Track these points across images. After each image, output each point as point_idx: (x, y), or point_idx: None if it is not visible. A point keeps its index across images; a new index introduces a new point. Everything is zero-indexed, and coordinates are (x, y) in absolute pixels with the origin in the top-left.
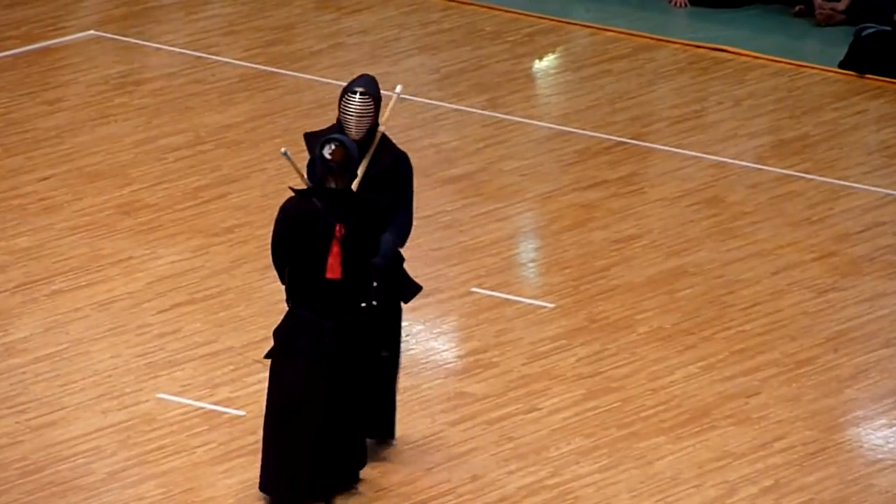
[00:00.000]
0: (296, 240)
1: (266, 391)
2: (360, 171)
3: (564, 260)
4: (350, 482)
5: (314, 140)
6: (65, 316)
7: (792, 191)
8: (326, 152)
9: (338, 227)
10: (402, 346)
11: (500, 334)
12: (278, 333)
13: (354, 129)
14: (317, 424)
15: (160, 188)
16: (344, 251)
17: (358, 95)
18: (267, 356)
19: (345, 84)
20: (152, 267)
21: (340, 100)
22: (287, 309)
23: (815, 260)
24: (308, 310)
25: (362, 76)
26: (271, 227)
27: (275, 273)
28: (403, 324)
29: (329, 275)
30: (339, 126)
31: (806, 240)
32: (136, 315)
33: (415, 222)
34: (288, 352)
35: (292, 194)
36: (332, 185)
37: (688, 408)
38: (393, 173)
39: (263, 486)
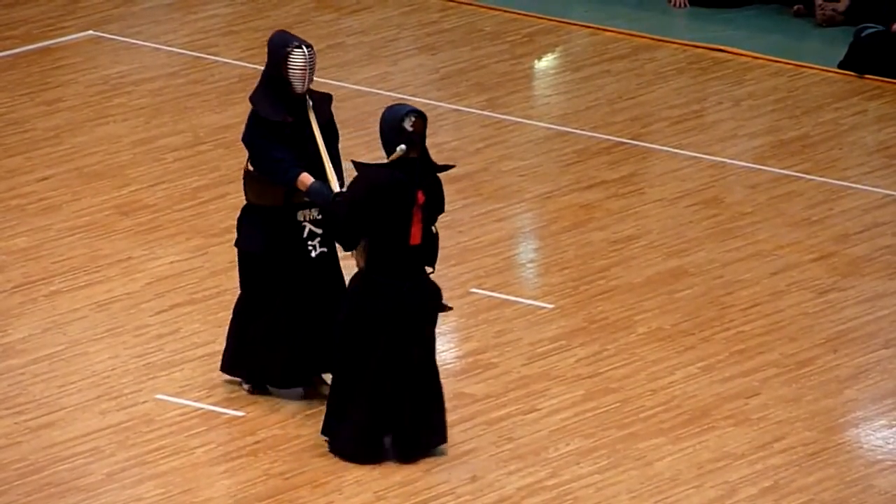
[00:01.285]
0: (383, 210)
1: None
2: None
3: (564, 260)
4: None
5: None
6: (63, 316)
7: (791, 191)
8: (407, 124)
9: (419, 194)
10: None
11: (500, 335)
12: (354, 297)
13: (304, 84)
14: (409, 382)
15: (159, 188)
16: (424, 217)
17: (306, 49)
18: (344, 321)
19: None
20: (151, 267)
21: (283, 58)
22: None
23: (814, 260)
24: (385, 275)
25: (280, 32)
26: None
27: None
28: None
29: (413, 241)
30: (277, 82)
31: (806, 240)
32: (134, 315)
33: None
34: (365, 314)
35: (372, 166)
36: (412, 155)
37: (687, 408)
38: (332, 123)
39: (358, 448)
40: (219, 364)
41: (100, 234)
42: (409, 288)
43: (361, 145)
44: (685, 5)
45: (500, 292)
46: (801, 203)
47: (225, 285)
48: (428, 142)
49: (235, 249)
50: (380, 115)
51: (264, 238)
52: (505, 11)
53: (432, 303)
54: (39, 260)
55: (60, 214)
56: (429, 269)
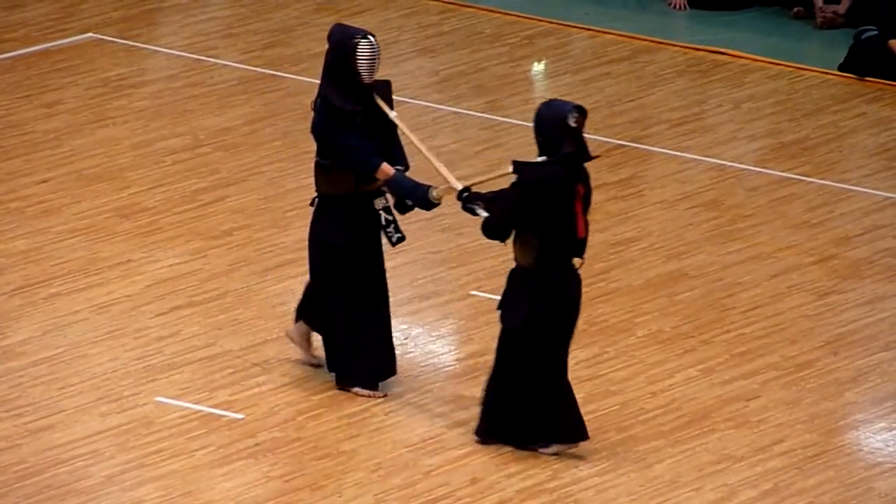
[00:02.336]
0: (551, 206)
1: (500, 354)
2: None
3: None
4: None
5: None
6: (63, 319)
7: (791, 193)
8: (571, 121)
9: (580, 187)
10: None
11: None
12: (526, 296)
13: (372, 74)
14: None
15: (159, 191)
16: (584, 209)
17: (372, 38)
18: (518, 325)
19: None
20: (151, 270)
21: (351, 49)
22: (518, 271)
23: (814, 263)
24: (556, 270)
25: (339, 25)
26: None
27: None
28: (402, 327)
29: (580, 234)
30: (344, 73)
31: (806, 243)
32: (134, 318)
33: (413, 225)
34: (543, 312)
35: (534, 164)
36: (569, 150)
37: (687, 411)
38: (392, 109)
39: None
40: (218, 366)
41: (99, 237)
42: (573, 281)
43: None
44: (685, 7)
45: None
46: (802, 206)
47: (225, 287)
48: (427, 144)
49: (236, 253)
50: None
51: (344, 230)
52: (504, 14)
53: (580, 293)
54: (39, 262)
55: (60, 217)
56: (578, 262)
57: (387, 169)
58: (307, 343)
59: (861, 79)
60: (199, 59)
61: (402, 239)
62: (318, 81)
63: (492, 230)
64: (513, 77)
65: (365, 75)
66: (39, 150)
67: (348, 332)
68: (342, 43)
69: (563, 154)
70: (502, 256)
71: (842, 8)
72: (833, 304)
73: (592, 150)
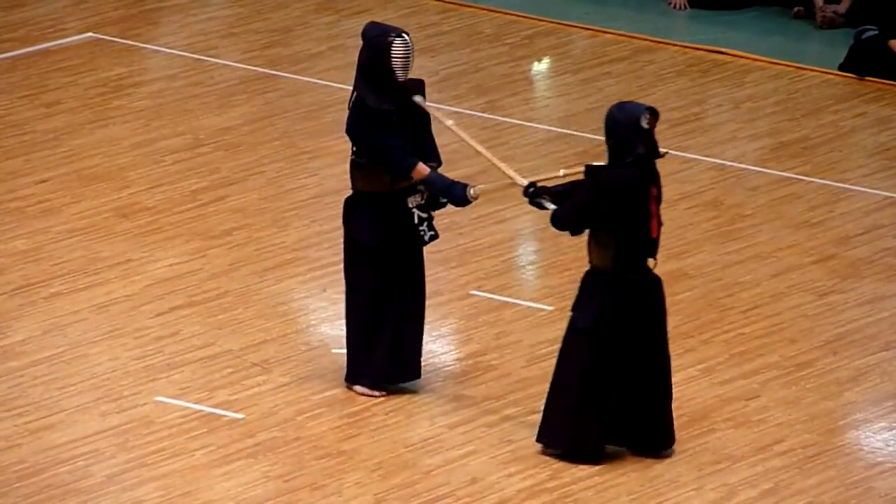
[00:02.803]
0: (627, 208)
1: (573, 359)
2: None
3: (564, 262)
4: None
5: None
6: (63, 319)
7: (791, 193)
8: (644, 122)
9: (652, 189)
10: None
11: (500, 337)
12: (601, 297)
13: (406, 72)
14: (647, 382)
15: (158, 191)
16: (656, 210)
17: (407, 37)
18: (588, 325)
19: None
20: (150, 270)
21: (386, 47)
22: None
23: (814, 262)
24: (632, 272)
25: (373, 23)
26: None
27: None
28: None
29: (654, 234)
30: (378, 72)
31: (806, 242)
32: (134, 318)
33: None
34: (619, 313)
35: (610, 168)
36: (641, 151)
37: (687, 410)
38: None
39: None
40: (218, 366)
41: (99, 237)
42: (648, 282)
43: None
44: (685, 7)
45: (501, 294)
46: (802, 205)
47: (224, 287)
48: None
49: (236, 253)
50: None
51: (379, 228)
52: (504, 13)
53: (661, 294)
54: (39, 262)
55: (60, 217)
56: (652, 262)
57: (422, 169)
58: None
59: (861, 78)
60: (199, 59)
61: (434, 237)
62: (318, 81)
63: (562, 222)
64: (513, 77)
65: (399, 73)
66: (39, 150)
67: (365, 330)
68: (377, 41)
69: (637, 155)
70: (502, 256)
71: (842, 8)
72: (833, 304)
73: (591, 150)
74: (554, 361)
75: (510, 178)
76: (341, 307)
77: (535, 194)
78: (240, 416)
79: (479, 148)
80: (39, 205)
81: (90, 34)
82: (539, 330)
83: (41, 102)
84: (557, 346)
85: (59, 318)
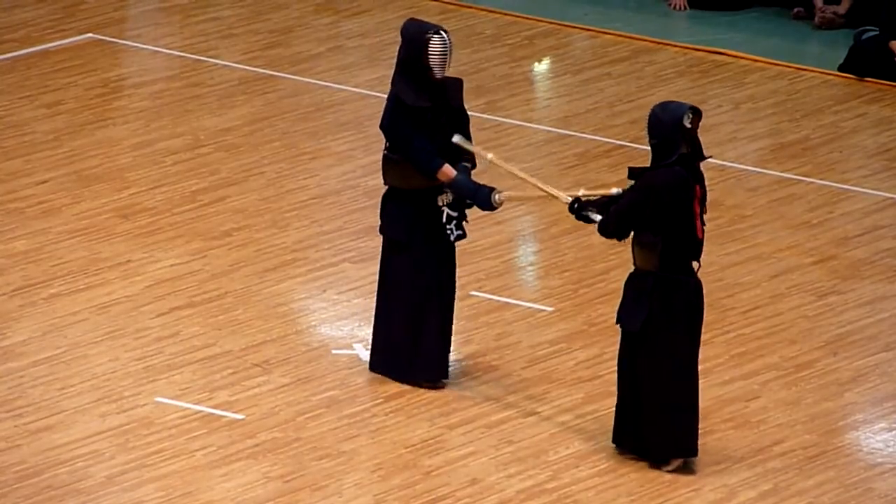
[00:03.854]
0: (672, 208)
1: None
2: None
3: (564, 263)
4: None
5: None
6: (63, 319)
7: (791, 194)
8: (687, 121)
9: (697, 189)
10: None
11: (500, 338)
12: (649, 298)
13: (443, 69)
14: (694, 381)
15: (159, 191)
16: (701, 210)
17: (445, 34)
18: (637, 328)
19: (342, 84)
20: (151, 270)
21: (423, 44)
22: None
23: (814, 263)
24: (679, 272)
25: (412, 20)
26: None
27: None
28: None
29: (699, 235)
30: (416, 69)
31: (805, 243)
32: (134, 318)
33: None
34: (668, 314)
35: (655, 170)
36: (684, 151)
37: None
38: (462, 107)
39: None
40: (218, 367)
41: (99, 237)
42: (694, 283)
43: (361, 148)
44: (685, 8)
45: (500, 295)
46: (801, 206)
47: (225, 288)
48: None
49: (236, 253)
50: (651, 111)
51: (408, 225)
52: (504, 14)
53: (702, 298)
54: (39, 263)
55: (60, 217)
56: (696, 265)
57: (448, 171)
58: None
59: (861, 79)
60: (198, 60)
61: (461, 237)
62: (318, 81)
63: (609, 229)
64: (512, 77)
65: (436, 70)
66: (39, 151)
67: (411, 328)
68: (415, 38)
69: (680, 155)
70: (502, 257)
71: (842, 8)
72: (833, 305)
73: (591, 151)
74: (555, 362)
75: (555, 196)
76: (341, 307)
77: (580, 209)
78: (240, 416)
79: (521, 174)
80: (40, 205)
81: (90, 35)
82: (539, 331)
83: (41, 103)
84: (558, 347)
85: (59, 319)
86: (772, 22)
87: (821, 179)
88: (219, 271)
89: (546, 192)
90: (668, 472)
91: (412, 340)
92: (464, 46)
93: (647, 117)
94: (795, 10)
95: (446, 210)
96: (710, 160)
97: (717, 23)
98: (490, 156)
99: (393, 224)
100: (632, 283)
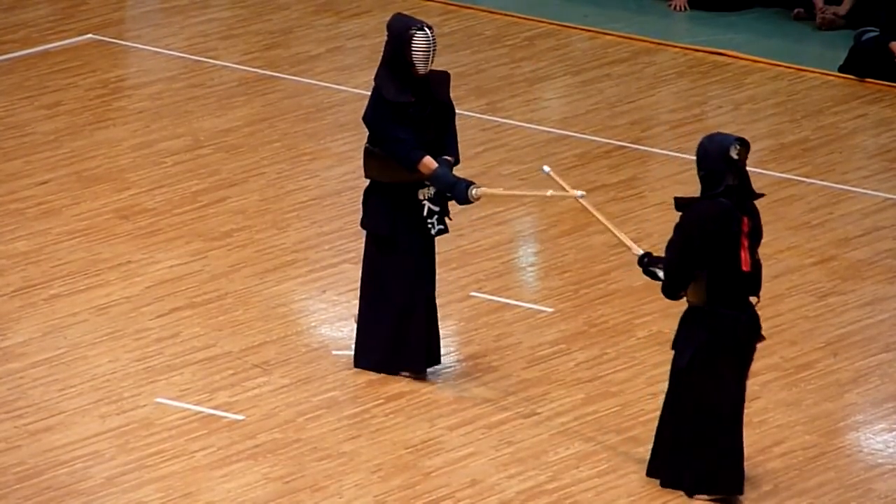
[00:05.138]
0: (717, 240)
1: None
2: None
3: (564, 264)
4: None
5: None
6: (63, 320)
7: (792, 195)
8: (733, 153)
9: (745, 221)
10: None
11: (500, 338)
12: (697, 333)
13: (426, 65)
14: (739, 419)
15: (159, 192)
16: (749, 244)
17: (428, 31)
18: (684, 364)
19: (334, 85)
20: (151, 271)
21: (407, 40)
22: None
23: (814, 264)
24: (726, 306)
25: (399, 15)
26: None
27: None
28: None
29: (744, 268)
30: (400, 64)
31: (806, 244)
32: (134, 319)
33: None
34: (715, 349)
35: (699, 200)
36: (731, 182)
37: None
38: (450, 102)
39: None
40: (218, 368)
41: (99, 238)
42: (745, 319)
43: (361, 149)
44: (685, 8)
45: (500, 296)
46: (802, 207)
47: (225, 289)
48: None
49: (236, 254)
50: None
51: (389, 218)
52: (504, 15)
53: (758, 336)
54: (39, 264)
55: (60, 218)
56: (754, 300)
57: (429, 163)
58: None
59: (861, 80)
60: (198, 61)
61: (442, 231)
62: (318, 82)
63: (670, 287)
64: (512, 78)
65: (419, 66)
66: (39, 152)
67: (397, 318)
68: (399, 33)
69: (727, 187)
70: (502, 258)
71: (842, 9)
72: (833, 306)
73: (591, 152)
74: (555, 363)
75: (628, 246)
76: (342, 308)
77: (648, 264)
78: (240, 417)
79: (598, 215)
80: (39, 206)
81: (90, 36)
82: (539, 331)
83: (41, 104)
84: (558, 348)
85: (59, 320)
86: (772, 23)
87: (821, 180)
88: (219, 272)
89: (620, 239)
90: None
91: (399, 333)
92: (464, 47)
93: (696, 149)
94: (796, 10)
95: (427, 204)
96: None
97: (718, 24)
98: (578, 193)
99: (375, 218)
100: (685, 318)
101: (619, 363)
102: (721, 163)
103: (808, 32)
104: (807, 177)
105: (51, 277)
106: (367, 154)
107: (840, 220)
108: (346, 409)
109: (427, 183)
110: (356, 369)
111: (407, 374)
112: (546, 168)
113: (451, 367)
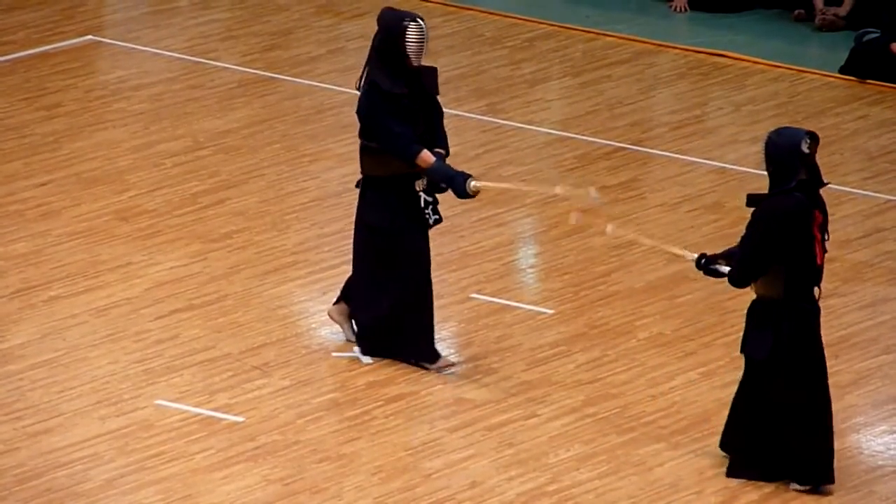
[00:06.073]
0: (794, 234)
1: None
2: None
3: (564, 266)
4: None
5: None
6: (62, 322)
7: None
8: (804, 147)
9: (817, 214)
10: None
11: (500, 340)
12: (779, 327)
13: (420, 57)
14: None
15: (158, 194)
16: (821, 238)
17: (421, 22)
18: (766, 355)
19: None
20: (150, 273)
21: (400, 32)
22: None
23: None
24: (805, 301)
25: (389, 9)
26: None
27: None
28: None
29: (818, 261)
30: (392, 56)
31: None
32: (133, 321)
33: None
34: (797, 343)
35: (774, 195)
36: (803, 177)
37: (688, 414)
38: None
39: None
40: (217, 370)
41: (99, 240)
42: (817, 312)
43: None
44: (686, 10)
45: (501, 297)
46: None
47: (224, 290)
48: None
49: (236, 256)
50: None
51: (388, 211)
52: (505, 16)
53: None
54: (38, 265)
55: (59, 220)
56: (817, 291)
57: (427, 156)
58: (348, 322)
59: (862, 81)
60: (198, 62)
61: (438, 221)
62: (317, 84)
63: (739, 276)
64: (513, 79)
65: (413, 58)
66: (39, 153)
67: (409, 311)
68: (392, 25)
69: (799, 181)
70: (503, 259)
71: (843, 10)
72: (834, 307)
73: (591, 153)
74: (555, 364)
75: (680, 255)
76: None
77: (707, 264)
78: (240, 419)
79: (642, 237)
80: (39, 208)
81: (90, 37)
82: (539, 333)
83: (41, 105)
84: (558, 349)
85: (58, 322)
86: (772, 24)
87: None
88: (219, 274)
89: (671, 252)
90: (800, 490)
91: (419, 321)
92: (464, 48)
93: (764, 146)
94: (796, 11)
95: (423, 195)
96: (711, 163)
97: (718, 25)
98: (594, 195)
99: (375, 211)
100: (754, 313)
101: (620, 365)
102: (793, 157)
103: (808, 34)
104: None
105: (50, 279)
106: (364, 150)
107: (841, 221)
108: (346, 410)
109: (422, 174)
110: (356, 371)
111: (415, 362)
112: (594, 194)
113: (452, 369)
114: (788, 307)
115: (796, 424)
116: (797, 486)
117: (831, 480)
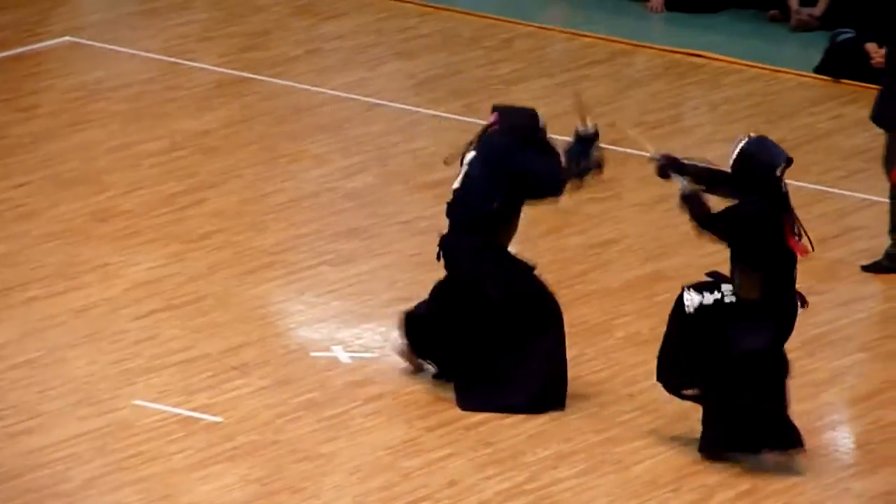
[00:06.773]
0: (765, 241)
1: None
2: None
3: (541, 265)
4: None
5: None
6: (41, 323)
7: None
8: (779, 171)
9: (784, 217)
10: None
11: None
12: (773, 322)
13: None
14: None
15: (136, 194)
16: (795, 231)
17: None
18: (766, 345)
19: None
20: (129, 273)
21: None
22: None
23: None
24: (785, 293)
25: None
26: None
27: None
28: (380, 329)
29: (800, 255)
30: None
31: None
32: (112, 321)
33: (392, 228)
34: (784, 332)
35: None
36: (767, 191)
37: (665, 412)
38: None
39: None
40: (196, 370)
41: (77, 241)
42: (798, 296)
43: (338, 150)
44: (662, 10)
45: None
46: None
47: (202, 291)
48: (405, 147)
49: (214, 256)
50: (746, 148)
51: (510, 276)
52: (482, 17)
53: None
54: (17, 266)
55: (37, 220)
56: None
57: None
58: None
59: (837, 81)
60: (176, 63)
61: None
62: (295, 84)
63: (704, 227)
64: (490, 80)
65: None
66: (16, 154)
67: (549, 356)
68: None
69: (761, 192)
70: None
71: (817, 10)
72: (809, 306)
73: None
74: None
75: (649, 155)
76: (319, 310)
77: (669, 166)
78: (218, 419)
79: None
80: (17, 209)
81: (68, 38)
82: None
83: (18, 106)
84: None
85: (37, 322)
86: (748, 24)
87: (797, 181)
88: (197, 274)
89: (644, 147)
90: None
91: (553, 370)
92: (442, 49)
93: (739, 149)
94: (771, 12)
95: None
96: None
97: (694, 25)
98: (651, 153)
99: (503, 282)
100: (747, 310)
101: (598, 364)
102: (764, 177)
103: (783, 34)
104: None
105: (28, 280)
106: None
107: (816, 220)
108: (325, 410)
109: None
110: (334, 371)
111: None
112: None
113: (430, 369)
114: (773, 302)
115: (771, 399)
116: (776, 453)
117: (803, 444)
